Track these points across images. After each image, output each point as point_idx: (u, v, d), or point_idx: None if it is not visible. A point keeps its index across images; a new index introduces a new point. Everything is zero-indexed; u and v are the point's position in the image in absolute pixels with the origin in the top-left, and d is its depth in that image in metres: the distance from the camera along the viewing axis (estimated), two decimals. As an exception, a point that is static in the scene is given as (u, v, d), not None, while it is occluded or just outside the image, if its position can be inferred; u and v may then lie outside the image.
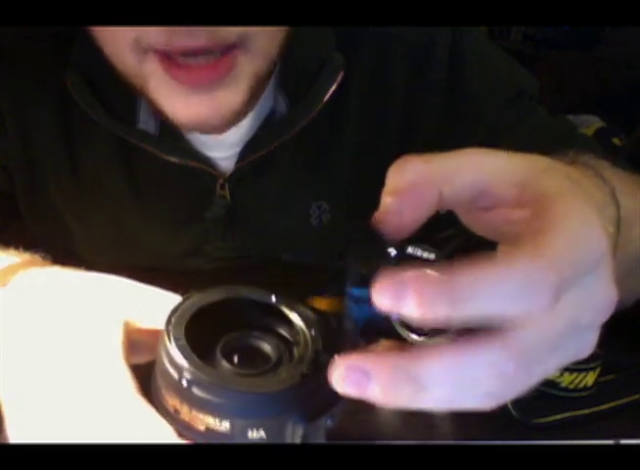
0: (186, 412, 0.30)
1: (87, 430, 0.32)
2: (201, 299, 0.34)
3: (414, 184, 0.27)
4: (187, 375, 0.30)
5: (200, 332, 0.32)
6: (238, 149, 0.62)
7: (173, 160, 0.61)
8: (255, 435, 0.30)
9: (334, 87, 0.60)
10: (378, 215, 0.28)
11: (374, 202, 0.28)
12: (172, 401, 0.31)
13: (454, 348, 0.25)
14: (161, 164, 0.61)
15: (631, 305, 0.51)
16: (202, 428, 0.30)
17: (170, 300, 0.36)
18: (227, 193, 0.64)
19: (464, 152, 0.28)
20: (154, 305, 0.37)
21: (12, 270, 0.40)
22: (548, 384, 0.59)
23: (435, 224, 0.29)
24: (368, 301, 0.25)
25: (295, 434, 0.30)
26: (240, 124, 0.60)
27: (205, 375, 0.30)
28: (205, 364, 0.31)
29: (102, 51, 0.53)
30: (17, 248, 0.44)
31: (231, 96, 0.53)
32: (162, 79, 0.51)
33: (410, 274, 0.24)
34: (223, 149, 0.63)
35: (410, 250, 0.28)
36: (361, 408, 0.27)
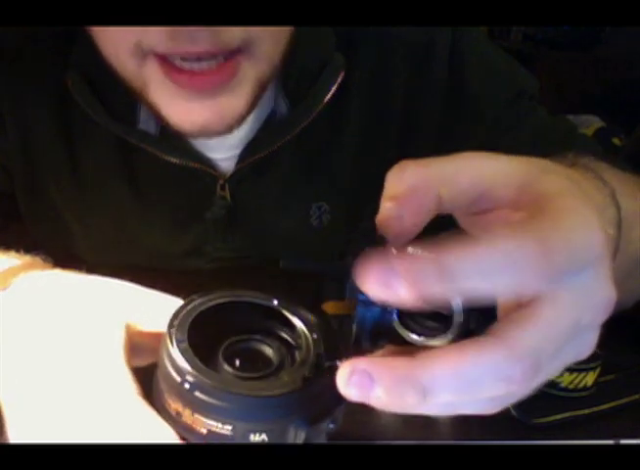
0: (188, 415, 0.30)
1: (88, 432, 0.32)
2: (203, 302, 0.34)
3: (413, 189, 0.27)
4: (189, 378, 0.30)
5: (202, 335, 0.32)
6: (238, 150, 0.62)
7: (174, 160, 0.61)
8: (257, 438, 0.30)
9: (334, 88, 0.60)
10: (379, 221, 0.28)
11: (374, 202, 0.28)
12: (174, 405, 0.31)
13: (458, 353, 0.25)
14: (162, 165, 0.61)
15: (631, 305, 0.51)
16: (203, 431, 0.30)
17: (172, 303, 0.36)
18: (227, 194, 0.64)
19: (462, 155, 0.28)
20: (155, 308, 0.37)
21: (13, 273, 0.39)
22: (548, 384, 0.59)
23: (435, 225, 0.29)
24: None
25: (297, 437, 0.30)
26: (241, 126, 0.60)
27: (207, 378, 0.30)
28: (208, 368, 0.31)
29: (102, 53, 0.53)
30: (17, 250, 0.44)
31: (234, 101, 0.53)
32: (162, 83, 0.51)
33: (395, 257, 0.24)
34: (224, 150, 0.63)
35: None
36: (361, 409, 0.27)
